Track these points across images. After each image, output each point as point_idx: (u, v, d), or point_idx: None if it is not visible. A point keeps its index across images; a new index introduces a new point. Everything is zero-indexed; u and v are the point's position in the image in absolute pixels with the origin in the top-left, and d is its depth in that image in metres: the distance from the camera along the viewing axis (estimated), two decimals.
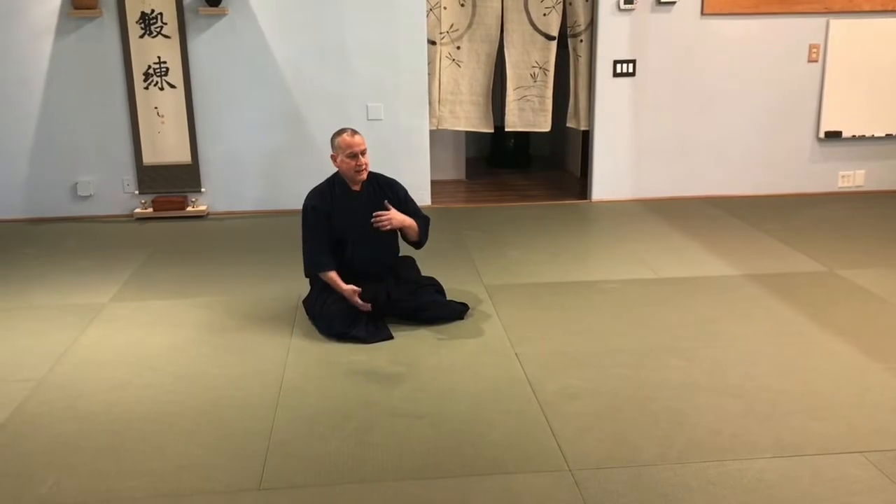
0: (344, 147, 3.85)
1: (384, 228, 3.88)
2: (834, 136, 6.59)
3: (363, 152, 3.86)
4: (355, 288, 3.81)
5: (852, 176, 6.72)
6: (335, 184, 4.00)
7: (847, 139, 6.62)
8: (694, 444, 2.84)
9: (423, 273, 4.19)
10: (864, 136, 6.61)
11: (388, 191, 4.03)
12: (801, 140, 6.62)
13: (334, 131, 3.94)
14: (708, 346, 3.68)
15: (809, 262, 4.88)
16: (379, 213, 3.88)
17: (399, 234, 4.07)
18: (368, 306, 3.81)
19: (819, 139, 6.62)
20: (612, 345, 3.70)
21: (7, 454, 2.84)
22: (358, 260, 3.96)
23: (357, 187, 3.99)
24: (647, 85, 6.41)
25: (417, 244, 4.09)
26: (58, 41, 5.92)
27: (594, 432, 2.92)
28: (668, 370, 3.42)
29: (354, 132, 3.88)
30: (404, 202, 4.05)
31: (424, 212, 4.13)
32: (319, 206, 3.93)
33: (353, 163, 3.86)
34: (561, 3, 6.35)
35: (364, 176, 3.92)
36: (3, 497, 2.60)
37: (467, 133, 7.46)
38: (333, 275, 3.88)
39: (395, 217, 3.91)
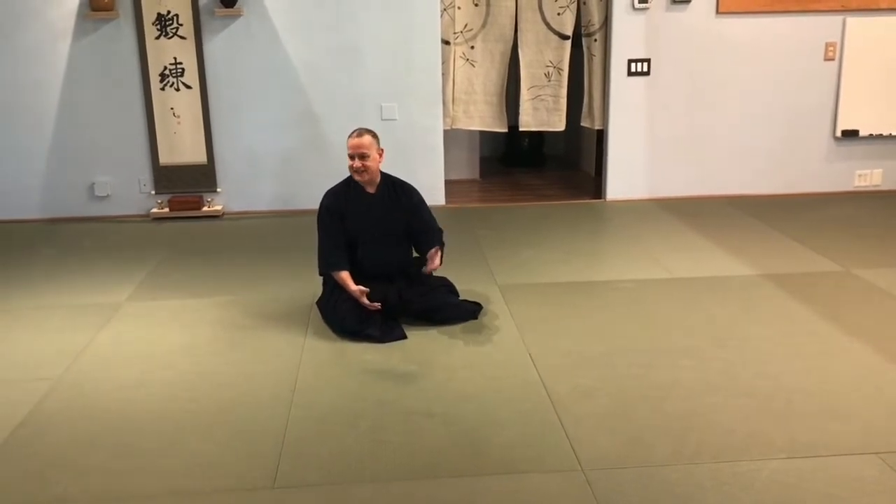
0: (347, 147, 3.93)
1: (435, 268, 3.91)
2: (851, 135, 6.54)
3: (361, 156, 3.88)
4: (363, 289, 3.82)
5: (869, 175, 6.66)
6: (351, 185, 4.03)
7: (864, 138, 6.57)
8: (707, 444, 2.83)
9: (436, 273, 4.19)
10: (881, 135, 6.56)
11: (402, 194, 4.04)
12: (817, 139, 6.57)
13: (350, 131, 3.98)
14: (722, 345, 3.66)
15: (825, 262, 4.85)
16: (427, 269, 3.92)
17: (412, 242, 4.08)
18: (377, 306, 3.82)
19: (836, 138, 6.57)
20: (626, 344, 3.69)
21: (24, 452, 2.87)
22: (368, 261, 3.98)
23: (372, 189, 4.01)
24: (661, 84, 6.38)
25: None
26: (75, 43, 5.97)
27: (607, 432, 2.92)
28: (682, 370, 3.41)
29: (361, 133, 3.90)
30: (417, 207, 4.05)
31: (438, 212, 4.13)
32: (333, 206, 3.97)
33: (350, 163, 3.92)
34: (575, 3, 6.34)
35: (362, 177, 3.94)
36: (21, 495, 2.62)
37: (481, 133, 7.45)
38: (345, 275, 3.90)
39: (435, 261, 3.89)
